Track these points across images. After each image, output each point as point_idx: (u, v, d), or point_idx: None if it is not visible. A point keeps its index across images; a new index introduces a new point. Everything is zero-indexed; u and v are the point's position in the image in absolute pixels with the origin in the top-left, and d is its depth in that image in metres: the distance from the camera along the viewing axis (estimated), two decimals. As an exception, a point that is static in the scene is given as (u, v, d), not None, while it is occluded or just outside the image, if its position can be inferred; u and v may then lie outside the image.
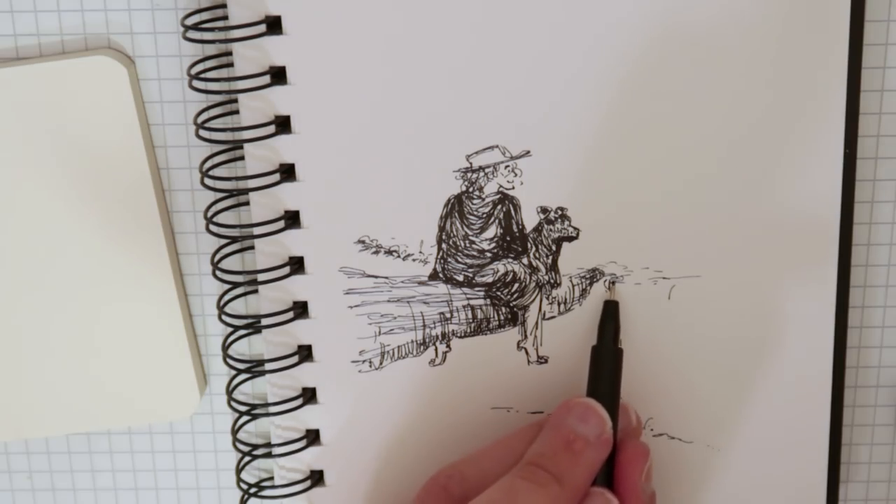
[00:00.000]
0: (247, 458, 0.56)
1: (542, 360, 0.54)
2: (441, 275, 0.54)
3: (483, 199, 0.53)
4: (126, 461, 0.59)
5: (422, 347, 0.54)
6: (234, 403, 0.55)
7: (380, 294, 0.54)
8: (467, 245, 0.53)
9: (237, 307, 0.55)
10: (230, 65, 0.52)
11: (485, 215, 0.53)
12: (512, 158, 0.52)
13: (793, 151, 0.52)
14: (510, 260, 0.54)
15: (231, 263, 0.54)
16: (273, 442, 0.56)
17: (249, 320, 0.54)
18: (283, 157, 0.52)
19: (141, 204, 0.54)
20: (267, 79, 0.51)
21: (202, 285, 0.56)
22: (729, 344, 0.54)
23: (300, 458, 0.56)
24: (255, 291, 0.55)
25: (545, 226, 0.53)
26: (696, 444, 0.55)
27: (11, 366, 0.56)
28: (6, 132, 0.53)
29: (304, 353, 0.54)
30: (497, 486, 0.48)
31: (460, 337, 0.54)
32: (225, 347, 0.55)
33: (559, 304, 0.54)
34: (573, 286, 0.54)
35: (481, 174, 0.52)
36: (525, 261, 0.53)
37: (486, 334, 0.54)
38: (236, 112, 0.52)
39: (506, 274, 0.54)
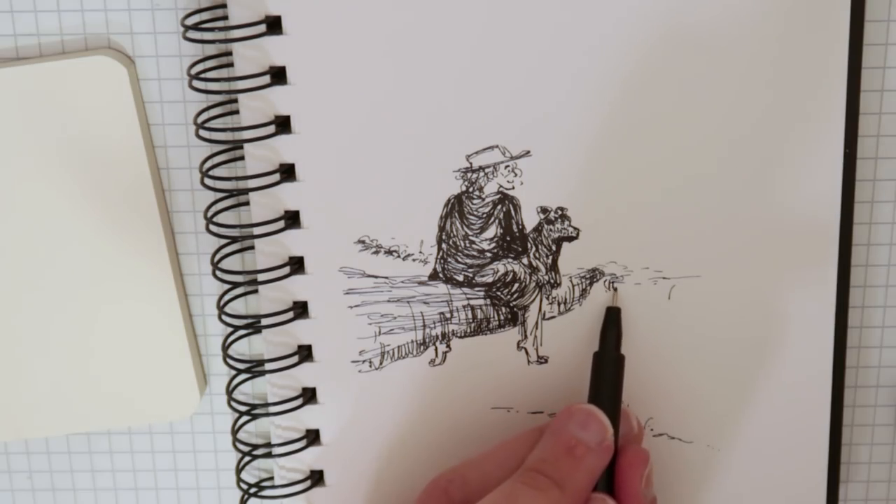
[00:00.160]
0: (247, 459, 0.56)
1: (542, 360, 0.54)
2: (441, 275, 0.53)
3: (483, 199, 0.53)
4: (126, 461, 0.59)
5: (422, 347, 0.54)
6: (234, 403, 0.55)
7: (380, 294, 0.54)
8: (467, 245, 0.53)
9: (237, 307, 0.55)
10: (230, 65, 0.52)
11: (485, 215, 0.53)
12: (512, 158, 0.52)
13: (793, 151, 0.52)
14: (510, 260, 0.53)
15: (231, 263, 0.54)
16: (273, 442, 0.56)
17: (249, 320, 0.54)
18: (283, 157, 0.52)
19: (141, 204, 0.54)
20: (267, 79, 0.51)
21: (202, 285, 0.56)
22: (729, 344, 0.54)
23: (300, 458, 0.56)
24: (255, 291, 0.54)
25: (545, 226, 0.53)
26: (697, 445, 0.55)
27: (11, 366, 0.56)
28: (6, 132, 0.53)
29: (304, 353, 0.54)
30: (498, 491, 0.48)
31: (460, 337, 0.54)
32: (225, 347, 0.55)
33: (559, 304, 0.54)
34: (573, 286, 0.53)
35: (481, 174, 0.52)
36: (525, 261, 0.53)
37: (486, 334, 0.54)
38: (236, 112, 0.52)
39: (506, 274, 0.54)
